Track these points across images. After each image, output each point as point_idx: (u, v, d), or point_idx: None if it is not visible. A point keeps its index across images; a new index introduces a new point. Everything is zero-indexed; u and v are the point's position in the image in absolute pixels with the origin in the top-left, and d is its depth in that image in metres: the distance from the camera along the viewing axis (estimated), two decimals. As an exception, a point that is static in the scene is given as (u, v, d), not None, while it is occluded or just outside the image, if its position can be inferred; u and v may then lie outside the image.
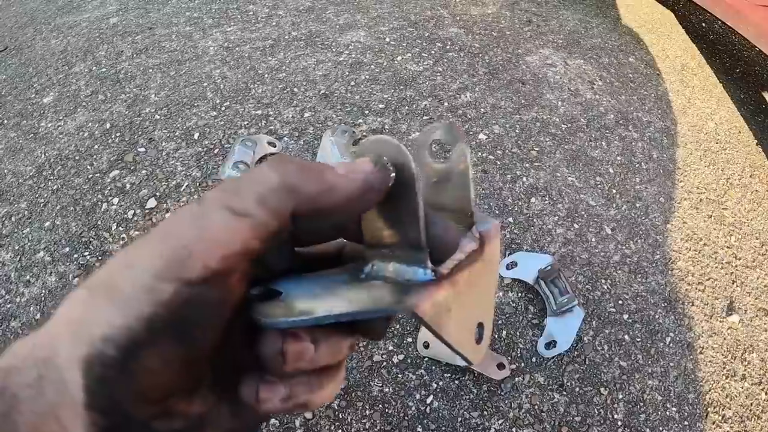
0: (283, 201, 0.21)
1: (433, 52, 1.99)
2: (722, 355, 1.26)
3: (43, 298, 1.24)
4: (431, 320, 0.23)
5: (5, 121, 1.77)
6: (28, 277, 1.29)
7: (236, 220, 0.20)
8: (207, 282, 0.20)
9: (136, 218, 1.38)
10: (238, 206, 0.20)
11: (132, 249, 0.20)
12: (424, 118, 1.68)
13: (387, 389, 1.09)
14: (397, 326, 1.18)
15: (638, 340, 1.23)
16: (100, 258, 1.30)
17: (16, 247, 1.35)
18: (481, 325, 0.29)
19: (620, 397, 1.13)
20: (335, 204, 0.22)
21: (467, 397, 1.09)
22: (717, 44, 2.47)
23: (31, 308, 1.23)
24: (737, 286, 1.40)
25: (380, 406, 1.07)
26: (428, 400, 1.08)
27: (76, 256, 1.32)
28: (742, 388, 1.21)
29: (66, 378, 0.19)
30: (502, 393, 1.10)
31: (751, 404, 1.19)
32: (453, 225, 0.27)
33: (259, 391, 0.25)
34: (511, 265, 1.27)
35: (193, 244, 0.19)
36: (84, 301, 0.20)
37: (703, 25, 2.62)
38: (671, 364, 1.21)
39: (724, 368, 1.23)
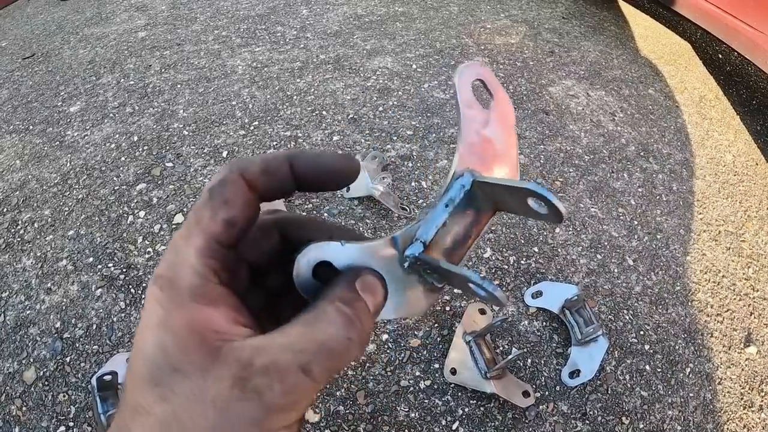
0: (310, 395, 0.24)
1: (458, 80, 2.02)
2: (740, 386, 1.26)
3: (64, 307, 1.25)
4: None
5: (30, 127, 1.80)
6: (49, 284, 1.30)
7: (316, 385, 0.23)
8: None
9: (162, 233, 1.40)
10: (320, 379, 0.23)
11: (253, 413, 0.22)
12: (451, 146, 1.70)
13: (413, 414, 1.09)
14: (425, 352, 1.19)
15: (659, 370, 1.23)
16: (124, 270, 1.31)
17: (38, 254, 1.37)
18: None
19: (641, 426, 1.14)
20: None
21: (492, 424, 1.09)
22: (734, 75, 2.50)
23: (51, 316, 1.24)
24: (755, 317, 1.41)
25: (406, 431, 1.07)
26: (454, 426, 1.08)
27: (99, 266, 1.33)
28: (759, 418, 1.21)
29: None
30: (527, 420, 1.11)
31: (769, 437, 1.19)
32: None
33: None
34: (536, 295, 1.28)
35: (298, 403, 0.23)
36: None
37: (720, 56, 2.65)
38: (690, 395, 1.21)
39: (742, 399, 1.24)
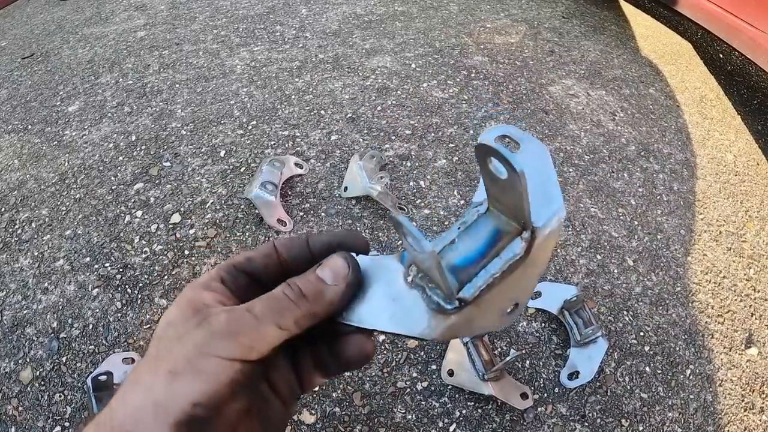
0: (309, 321, 0.32)
1: (458, 79, 2.02)
2: (741, 387, 1.25)
3: (60, 307, 1.25)
4: (451, 337, 0.29)
5: (29, 127, 1.80)
6: (46, 284, 1.30)
7: (280, 331, 0.30)
8: (260, 363, 0.30)
9: (159, 233, 1.39)
10: (282, 324, 0.30)
11: (206, 337, 0.29)
12: (450, 145, 1.70)
13: (410, 416, 1.09)
14: (422, 353, 1.18)
15: (659, 372, 1.22)
16: (121, 270, 1.31)
17: (36, 254, 1.36)
18: (516, 305, 0.32)
19: (641, 429, 1.13)
20: (335, 306, 0.33)
21: (490, 426, 1.09)
22: (735, 75, 2.49)
23: (48, 316, 1.23)
24: (756, 318, 1.40)
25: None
26: (451, 428, 1.07)
27: (96, 266, 1.32)
28: (760, 420, 1.20)
29: None
30: (525, 423, 1.10)
31: (771, 439, 1.18)
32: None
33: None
34: (535, 295, 1.27)
35: (253, 342, 0.29)
36: (167, 383, 0.27)
37: (721, 56, 2.64)
38: (691, 397, 1.20)
39: (743, 401, 1.23)
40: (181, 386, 0.26)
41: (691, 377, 1.24)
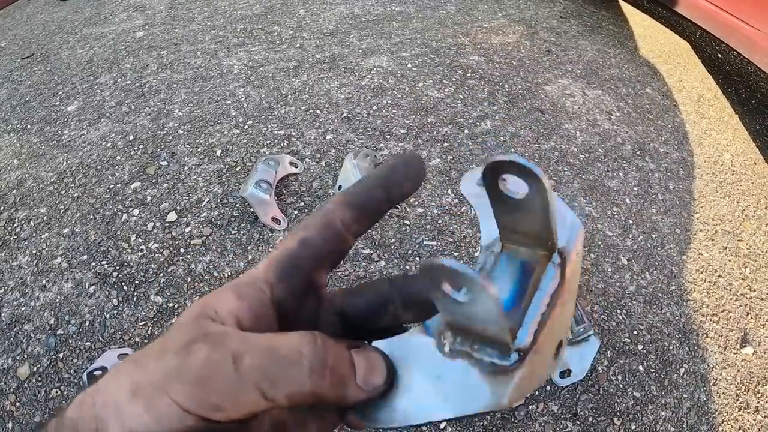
0: (306, 401, 0.23)
1: (454, 79, 2.03)
2: (736, 387, 1.25)
3: (58, 304, 1.26)
4: (520, 399, 0.23)
5: (28, 126, 1.81)
6: (44, 281, 1.31)
7: (264, 401, 0.22)
8: (229, 423, 0.23)
9: (155, 231, 1.40)
10: (269, 395, 0.22)
11: (173, 371, 0.23)
12: (445, 144, 1.70)
13: (402, 413, 1.09)
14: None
15: (652, 370, 1.23)
16: (117, 267, 1.32)
17: (34, 251, 1.37)
18: (560, 342, 0.27)
19: (633, 427, 1.13)
20: (342, 404, 0.25)
21: (481, 423, 1.09)
22: (733, 75, 2.49)
23: (45, 313, 1.24)
24: (752, 318, 1.40)
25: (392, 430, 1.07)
26: (442, 426, 1.08)
27: (93, 264, 1.33)
28: (755, 420, 1.20)
29: None
30: (516, 421, 1.10)
31: (765, 439, 1.18)
32: None
33: None
34: (528, 293, 1.27)
35: (223, 402, 0.22)
36: (128, 397, 0.22)
37: (719, 55, 2.64)
38: (684, 396, 1.20)
39: (738, 400, 1.23)
40: (133, 409, 0.22)
41: (684, 376, 1.24)
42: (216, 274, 1.30)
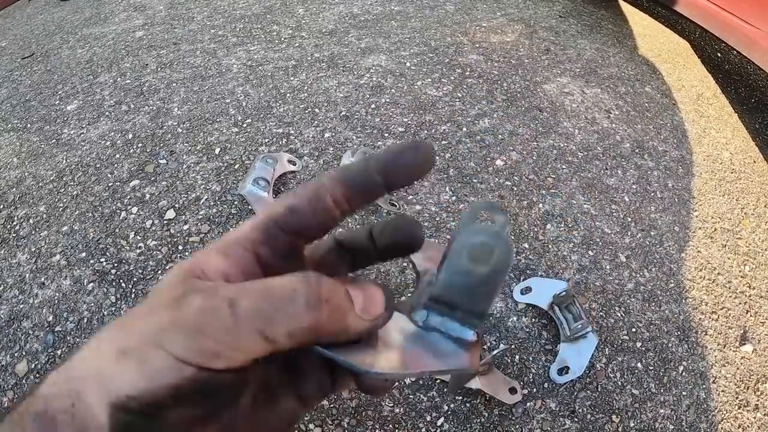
0: (307, 338, 0.23)
1: (452, 78, 2.02)
2: (735, 384, 1.25)
3: (56, 301, 1.26)
4: (478, 365, 0.29)
5: (28, 125, 1.81)
6: (42, 279, 1.31)
7: (264, 342, 0.22)
8: (228, 372, 0.22)
9: (154, 228, 1.40)
10: (269, 334, 0.22)
11: (167, 324, 0.22)
12: (443, 142, 1.70)
13: (398, 410, 1.09)
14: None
15: (651, 368, 1.22)
16: (116, 265, 1.32)
17: (33, 249, 1.38)
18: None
19: (632, 425, 1.13)
20: (346, 337, 0.25)
21: (478, 420, 1.09)
22: (732, 74, 2.48)
23: (44, 310, 1.24)
24: (751, 315, 1.40)
25: (390, 426, 1.07)
26: (439, 422, 1.08)
27: (92, 261, 1.33)
28: (754, 418, 1.20)
29: (95, 413, 0.21)
30: (514, 418, 1.10)
31: (764, 436, 1.18)
32: None
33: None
34: (526, 291, 1.27)
35: (222, 349, 0.22)
36: (114, 359, 0.22)
37: (719, 54, 2.64)
38: (683, 393, 1.20)
39: (737, 398, 1.22)
40: (122, 370, 0.21)
41: (683, 374, 1.23)
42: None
